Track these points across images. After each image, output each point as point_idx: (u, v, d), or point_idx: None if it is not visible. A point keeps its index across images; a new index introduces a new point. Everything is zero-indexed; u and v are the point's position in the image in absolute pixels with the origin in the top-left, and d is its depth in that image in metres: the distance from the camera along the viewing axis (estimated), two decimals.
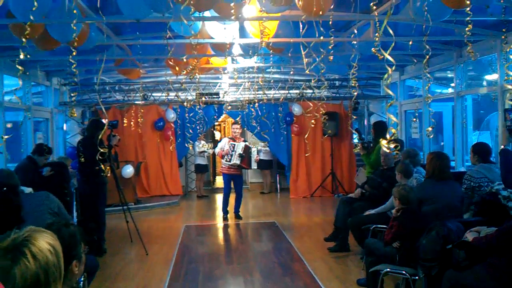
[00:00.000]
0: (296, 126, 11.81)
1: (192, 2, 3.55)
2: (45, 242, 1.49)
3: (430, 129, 5.26)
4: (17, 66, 4.21)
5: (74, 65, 4.37)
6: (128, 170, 10.24)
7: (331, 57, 4.95)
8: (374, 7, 3.41)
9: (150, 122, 11.76)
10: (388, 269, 4.23)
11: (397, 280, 4.76)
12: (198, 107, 10.68)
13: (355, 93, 7.94)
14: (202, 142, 12.21)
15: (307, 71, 5.18)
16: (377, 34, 3.47)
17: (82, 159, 6.11)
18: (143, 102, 11.20)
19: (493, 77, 7.71)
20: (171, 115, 11.74)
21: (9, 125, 9.41)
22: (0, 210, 3.65)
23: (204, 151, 12.05)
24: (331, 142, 11.71)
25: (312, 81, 6.59)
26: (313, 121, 9.06)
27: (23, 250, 1.43)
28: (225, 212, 9.22)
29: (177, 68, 6.90)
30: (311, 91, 10.87)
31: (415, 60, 8.44)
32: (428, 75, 6.08)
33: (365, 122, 12.29)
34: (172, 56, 5.79)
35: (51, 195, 4.28)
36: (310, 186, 11.85)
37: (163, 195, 11.77)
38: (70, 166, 7.76)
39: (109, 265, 6.17)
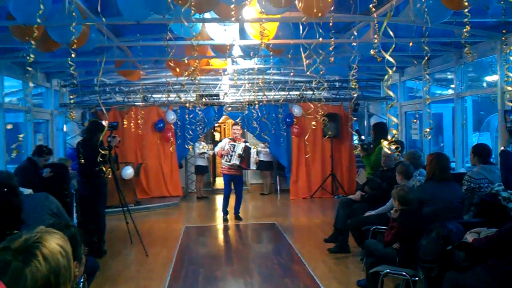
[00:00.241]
0: (296, 128, 11.81)
1: (193, 3, 3.55)
2: (56, 244, 1.50)
3: (428, 130, 5.26)
4: (27, 68, 4.21)
5: (73, 67, 4.37)
6: (128, 172, 10.24)
7: (332, 59, 4.95)
8: (374, 9, 3.41)
9: (150, 123, 11.76)
10: (388, 270, 4.23)
11: (397, 281, 4.75)
12: (198, 108, 10.69)
13: (355, 95, 7.94)
14: (202, 143, 12.21)
15: (308, 73, 5.19)
16: (376, 35, 3.48)
17: (82, 160, 6.11)
18: (143, 103, 11.20)
19: (493, 78, 7.71)
20: (171, 117, 11.75)
21: (9, 126, 9.41)
22: (0, 211, 3.66)
23: (204, 152, 12.05)
24: (331, 144, 11.71)
25: (314, 83, 6.61)
26: (314, 122, 9.09)
27: (35, 251, 1.44)
28: (225, 213, 9.21)
29: (177, 70, 6.91)
30: (311, 92, 10.88)
31: (415, 62, 8.45)
32: (427, 76, 6.09)
33: (365, 124, 12.29)
34: (172, 58, 5.79)
35: (50, 196, 4.28)
36: (310, 187, 11.85)
37: (163, 196, 11.77)
38: (70, 168, 7.76)
39: (109, 266, 6.17)
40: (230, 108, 11.40)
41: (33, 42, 4.08)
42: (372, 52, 3.60)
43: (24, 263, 1.41)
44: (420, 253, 3.89)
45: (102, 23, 5.55)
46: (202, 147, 12.03)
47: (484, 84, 9.18)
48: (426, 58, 4.03)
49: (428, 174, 4.90)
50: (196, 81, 6.34)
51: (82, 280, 2.60)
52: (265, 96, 9.03)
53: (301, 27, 4.74)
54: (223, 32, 5.68)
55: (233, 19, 4.19)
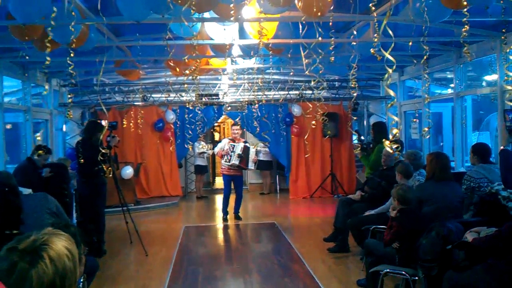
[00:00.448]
0: (296, 127, 11.81)
1: (193, 2, 3.55)
2: (63, 247, 1.50)
3: (426, 129, 5.25)
4: (44, 70, 4.19)
5: (72, 67, 4.36)
6: (128, 171, 10.24)
7: (332, 58, 4.95)
8: (373, 8, 3.41)
9: (149, 123, 11.76)
10: (388, 270, 4.23)
11: (397, 280, 4.76)
12: (197, 108, 10.68)
13: (355, 94, 7.95)
14: (202, 143, 12.21)
15: (306, 72, 5.18)
16: (376, 35, 3.47)
17: (82, 160, 6.11)
18: (142, 103, 11.20)
19: (493, 77, 7.71)
20: (171, 116, 11.75)
21: (8, 126, 9.40)
22: (0, 211, 3.65)
23: (203, 152, 12.05)
24: (330, 143, 11.71)
25: (312, 82, 6.60)
26: (313, 122, 9.09)
27: (42, 254, 1.44)
28: (225, 213, 9.22)
29: (177, 69, 6.90)
30: (310, 92, 10.88)
31: (414, 61, 8.45)
32: (426, 76, 6.09)
33: (365, 123, 12.29)
34: (172, 57, 5.79)
35: (50, 196, 4.28)
36: (309, 187, 11.85)
37: (162, 196, 11.76)
38: (70, 167, 7.76)
39: (108, 266, 6.16)
40: (229, 108, 11.40)
41: (48, 45, 4.03)
42: (372, 51, 3.59)
43: (31, 264, 1.41)
44: (420, 253, 3.89)
45: (102, 23, 5.55)
46: (201, 146, 12.03)
47: (484, 84, 9.19)
48: (425, 57, 4.03)
49: (428, 174, 4.90)
50: (196, 81, 6.34)
51: (82, 280, 2.60)
52: (264, 96, 9.02)
53: (300, 26, 4.74)
54: (222, 31, 5.68)
55: (232, 18, 4.19)
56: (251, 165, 9.10)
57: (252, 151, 9.01)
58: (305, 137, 10.44)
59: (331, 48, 4.55)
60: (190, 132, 11.71)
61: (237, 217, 9.23)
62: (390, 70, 3.47)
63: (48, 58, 4.13)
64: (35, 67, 8.54)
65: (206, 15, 5.01)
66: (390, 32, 3.57)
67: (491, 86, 7.78)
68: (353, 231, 6.03)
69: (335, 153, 11.84)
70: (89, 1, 5.43)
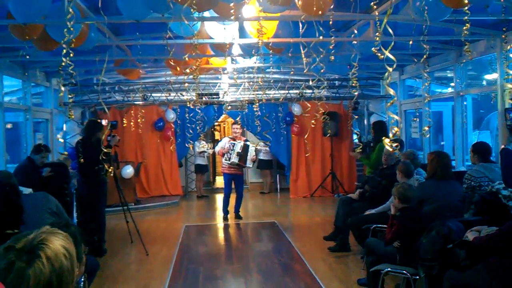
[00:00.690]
0: (296, 126, 11.80)
1: (193, 1, 3.54)
2: (60, 246, 1.49)
3: (426, 128, 5.26)
4: (60, 71, 4.16)
5: (72, 67, 4.36)
6: (128, 171, 10.23)
7: (332, 57, 4.95)
8: (375, 7, 3.40)
9: (150, 122, 11.76)
10: (388, 269, 4.22)
11: (398, 280, 4.75)
12: (198, 107, 10.68)
13: (356, 93, 7.93)
14: (202, 142, 12.21)
15: (305, 71, 5.18)
16: (377, 33, 3.47)
17: (82, 159, 6.11)
18: (143, 102, 11.19)
19: (493, 76, 7.70)
20: (171, 116, 11.75)
21: (9, 126, 9.40)
22: (1, 210, 3.65)
23: (204, 151, 12.05)
24: (331, 142, 11.71)
25: (311, 82, 6.59)
26: (313, 121, 9.09)
27: (39, 253, 1.43)
28: (226, 212, 9.21)
29: (178, 69, 6.90)
30: (310, 91, 10.87)
31: (415, 60, 8.44)
32: (426, 75, 6.08)
33: (365, 122, 12.29)
34: (172, 57, 5.78)
35: (50, 196, 4.28)
36: (310, 186, 11.85)
37: (163, 195, 11.76)
38: (70, 167, 7.76)
39: (109, 265, 6.17)
40: (229, 107, 11.39)
41: (64, 46, 3.99)
42: (373, 50, 3.59)
43: (28, 263, 1.41)
44: (421, 252, 3.89)
45: (101, 22, 5.54)
46: (202, 146, 12.03)
47: (484, 82, 9.18)
48: (425, 56, 4.02)
49: (429, 173, 4.89)
50: (196, 80, 6.34)
51: (82, 279, 2.60)
52: (264, 95, 9.01)
53: (300, 25, 4.73)
54: (222, 30, 5.67)
55: (232, 17, 4.18)
56: (249, 163, 9.06)
57: (251, 149, 8.99)
58: (305, 136, 10.44)
59: (331, 47, 4.55)
60: (190, 131, 11.71)
61: (237, 216, 9.23)
62: (390, 69, 3.46)
63: (67, 61, 4.10)
64: (35, 67, 8.54)
65: (206, 14, 5.00)
66: (390, 30, 3.57)
67: (491, 85, 7.76)
68: (353, 230, 6.03)
69: (336, 152, 11.84)
70: (89, 0, 5.42)
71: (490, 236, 3.43)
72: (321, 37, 4.66)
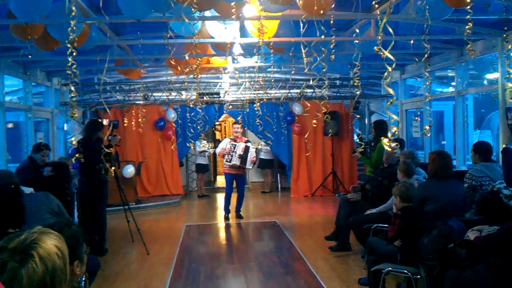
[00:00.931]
0: (297, 126, 11.79)
1: (195, 1, 3.54)
2: (53, 246, 1.50)
3: (427, 127, 5.25)
4: (67, 71, 4.15)
5: (75, 66, 4.37)
6: (129, 170, 10.24)
7: (333, 57, 4.94)
8: (376, 6, 3.40)
9: (151, 122, 11.76)
10: (389, 268, 4.22)
11: (399, 279, 4.75)
12: (199, 106, 10.68)
13: (358, 93, 7.93)
14: (203, 141, 12.22)
15: (306, 71, 5.18)
16: (379, 33, 3.47)
17: (82, 159, 6.11)
18: (143, 102, 11.20)
19: (494, 75, 7.70)
20: (172, 115, 11.75)
21: (10, 125, 9.41)
22: (3, 209, 3.65)
23: (205, 151, 12.06)
24: (332, 142, 11.71)
25: (311, 81, 6.59)
26: (314, 121, 9.09)
27: (31, 252, 1.44)
28: (227, 211, 9.21)
29: (178, 68, 6.90)
30: (311, 90, 10.87)
31: (416, 59, 8.44)
32: (427, 74, 6.08)
33: (366, 121, 12.28)
34: (173, 56, 5.79)
35: (51, 195, 4.28)
36: (311, 185, 11.84)
37: (164, 195, 11.77)
38: (71, 166, 7.76)
39: (110, 265, 6.17)
40: (230, 107, 11.40)
41: (69, 45, 3.99)
42: (376, 49, 3.59)
43: (21, 263, 1.41)
44: (422, 251, 3.89)
45: (102, 22, 5.55)
46: (202, 145, 12.04)
47: (485, 82, 9.17)
48: (426, 55, 4.02)
49: (431, 172, 4.89)
50: (197, 80, 6.34)
51: (83, 279, 2.60)
52: (265, 95, 9.01)
53: (301, 25, 4.73)
54: (223, 30, 5.67)
55: (233, 17, 4.18)
56: (248, 165, 9.05)
57: (252, 151, 8.99)
58: (306, 135, 10.44)
59: (332, 47, 4.54)
60: (191, 130, 11.71)
61: (238, 215, 9.23)
62: (390, 68, 3.46)
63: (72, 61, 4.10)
64: (36, 66, 8.55)
65: (207, 13, 5.00)
66: (390, 30, 3.57)
67: (493, 84, 7.75)
68: (354, 230, 6.02)
69: (337, 151, 11.83)
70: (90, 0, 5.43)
71: (491, 235, 3.43)
72: (322, 37, 4.65)
